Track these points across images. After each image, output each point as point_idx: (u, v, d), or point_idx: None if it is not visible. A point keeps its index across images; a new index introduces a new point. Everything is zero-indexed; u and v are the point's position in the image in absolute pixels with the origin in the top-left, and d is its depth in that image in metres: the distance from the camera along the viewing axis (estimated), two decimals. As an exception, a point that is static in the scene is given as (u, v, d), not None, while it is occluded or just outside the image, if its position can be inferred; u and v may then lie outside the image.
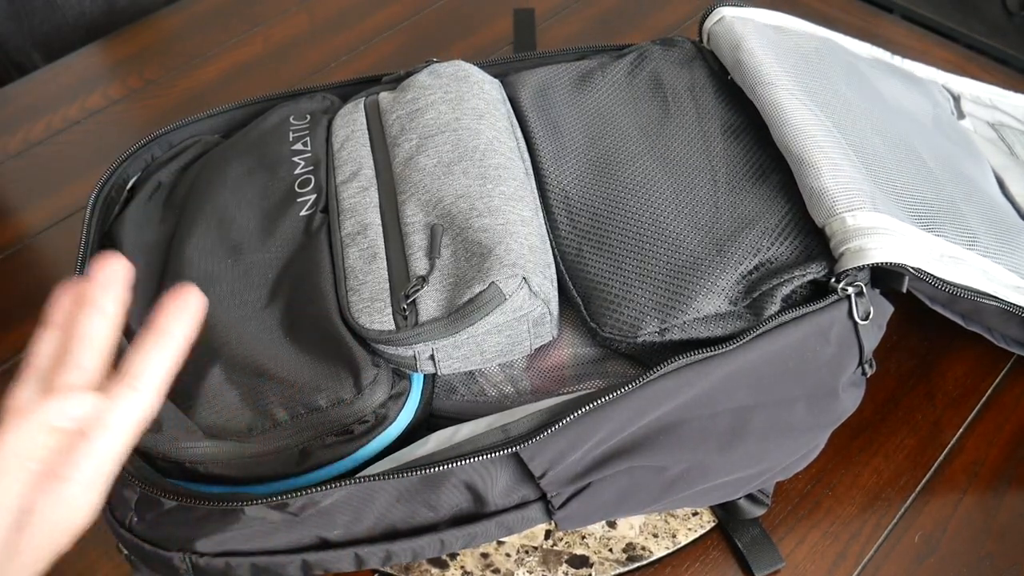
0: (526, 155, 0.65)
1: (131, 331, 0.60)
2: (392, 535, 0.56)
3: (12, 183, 0.89)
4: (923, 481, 0.65)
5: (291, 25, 1.03)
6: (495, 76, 0.72)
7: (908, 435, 0.67)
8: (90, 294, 0.44)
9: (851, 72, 0.74)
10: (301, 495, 0.51)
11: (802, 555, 0.62)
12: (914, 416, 0.68)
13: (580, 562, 0.61)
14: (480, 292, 0.54)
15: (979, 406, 0.69)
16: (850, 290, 0.56)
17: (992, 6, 1.08)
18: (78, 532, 0.41)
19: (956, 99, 0.82)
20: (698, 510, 0.63)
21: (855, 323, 0.56)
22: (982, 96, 0.84)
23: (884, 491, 0.65)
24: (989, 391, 0.69)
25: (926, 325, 0.66)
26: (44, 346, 0.44)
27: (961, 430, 0.67)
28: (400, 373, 0.57)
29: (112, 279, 0.44)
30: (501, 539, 0.61)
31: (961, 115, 0.81)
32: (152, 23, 1.04)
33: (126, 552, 0.56)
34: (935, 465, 0.66)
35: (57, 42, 1.08)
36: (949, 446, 0.67)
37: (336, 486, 0.51)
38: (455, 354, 0.56)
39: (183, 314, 0.43)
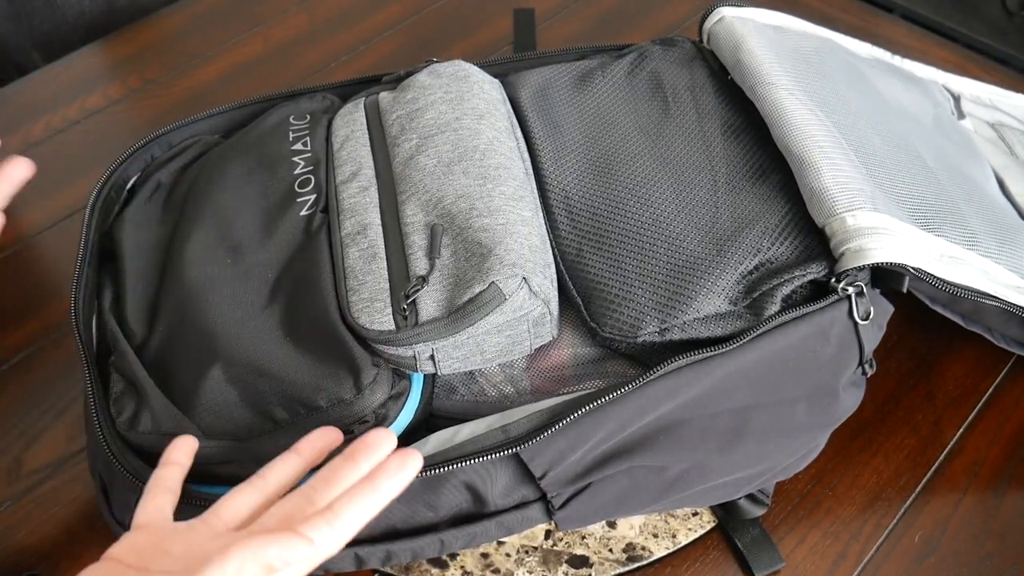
0: (526, 155, 0.65)
1: (131, 331, 0.60)
2: (392, 535, 0.56)
3: (12, 183, 0.89)
4: (923, 481, 0.65)
5: (291, 25, 1.03)
6: (495, 76, 0.71)
7: (908, 435, 0.67)
8: (358, 453, 0.47)
9: (851, 72, 0.74)
10: None
11: (802, 555, 0.62)
12: (914, 416, 0.68)
13: (580, 562, 0.61)
14: (480, 292, 0.54)
15: (979, 406, 0.69)
16: (850, 290, 0.56)
17: (992, 6, 1.08)
18: None
19: (956, 99, 0.82)
20: (698, 510, 0.63)
21: (855, 323, 0.56)
22: (982, 96, 0.84)
23: (884, 491, 0.65)
24: (989, 391, 0.69)
25: (926, 325, 0.66)
26: (280, 469, 0.48)
27: (961, 430, 0.67)
28: (400, 373, 0.57)
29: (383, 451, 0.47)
30: (501, 539, 0.61)
31: (961, 115, 0.81)
32: (152, 23, 1.04)
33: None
34: (935, 465, 0.66)
35: (57, 42, 1.08)
36: (949, 446, 0.67)
37: None
38: (455, 354, 0.56)
39: (399, 475, 0.45)
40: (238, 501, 0.47)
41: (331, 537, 0.43)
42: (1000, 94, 0.85)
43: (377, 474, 0.45)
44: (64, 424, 0.70)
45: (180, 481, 0.50)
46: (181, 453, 0.51)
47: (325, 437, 0.51)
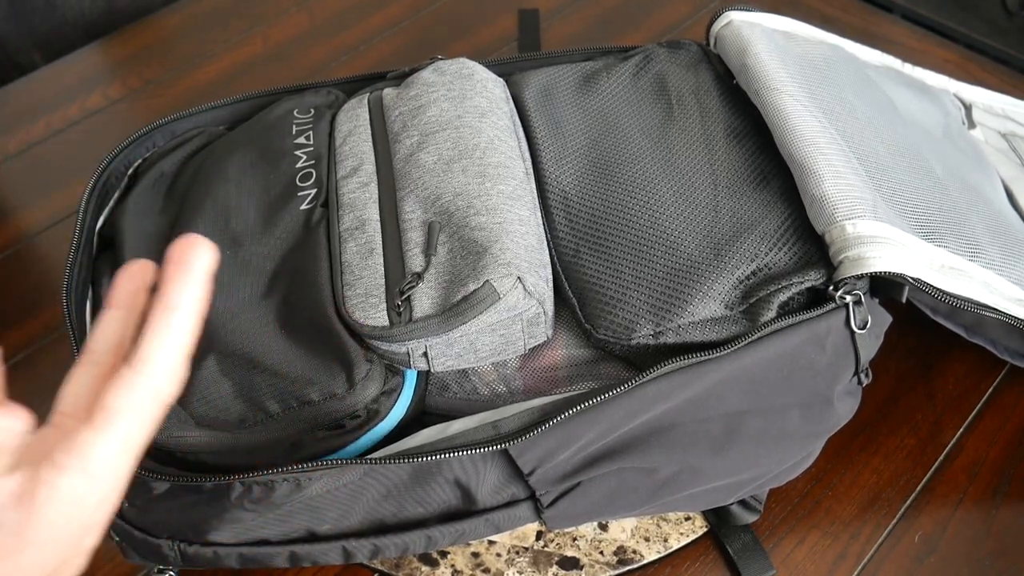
0: (527, 154, 0.65)
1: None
2: (380, 530, 0.56)
3: (12, 183, 0.89)
4: (923, 481, 0.65)
5: (291, 25, 1.03)
6: (500, 75, 0.71)
7: (908, 435, 0.67)
8: (164, 286, 0.39)
9: (860, 81, 0.73)
10: (287, 476, 0.51)
11: (802, 555, 0.62)
12: (914, 416, 0.68)
13: (570, 564, 0.60)
14: (474, 290, 0.54)
15: (979, 406, 0.68)
16: (848, 299, 0.55)
17: (992, 6, 1.08)
18: (93, 529, 0.38)
19: (967, 108, 0.82)
20: (691, 515, 0.63)
21: (852, 332, 0.56)
22: (994, 106, 0.83)
23: (884, 491, 0.64)
24: (989, 391, 0.69)
25: (926, 324, 0.66)
26: (105, 331, 0.41)
27: (961, 430, 0.67)
28: (393, 369, 0.57)
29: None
30: (492, 539, 0.61)
31: (972, 124, 0.80)
32: (152, 23, 1.04)
33: (117, 538, 0.56)
34: (935, 465, 0.66)
35: (57, 42, 1.08)
36: (949, 446, 0.67)
37: (317, 465, 0.51)
38: (448, 352, 0.55)
39: (189, 279, 0.39)
40: (75, 387, 0.40)
41: (149, 387, 0.37)
42: (1012, 104, 0.84)
43: (166, 290, 0.39)
44: (63, 424, 0.70)
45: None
46: None
47: (132, 277, 0.42)
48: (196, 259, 0.40)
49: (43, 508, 0.36)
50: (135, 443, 0.38)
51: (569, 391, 0.57)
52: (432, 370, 0.56)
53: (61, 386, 0.41)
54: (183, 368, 0.39)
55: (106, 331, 0.42)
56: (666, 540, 0.62)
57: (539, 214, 0.62)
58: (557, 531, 0.61)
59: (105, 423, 0.37)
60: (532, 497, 0.56)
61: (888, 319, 0.60)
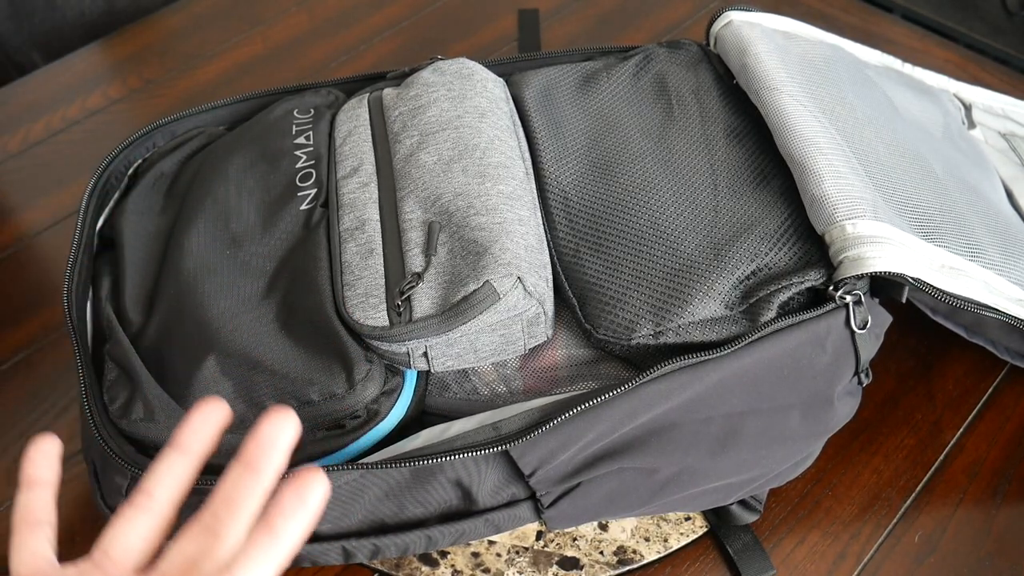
0: (527, 154, 0.65)
1: (128, 320, 0.60)
2: (380, 530, 0.56)
3: (12, 183, 0.89)
4: (923, 481, 0.65)
5: (291, 25, 1.03)
6: (500, 75, 0.71)
7: (908, 435, 0.67)
8: (254, 458, 0.40)
9: (860, 81, 0.73)
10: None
11: (802, 555, 0.62)
12: (914, 416, 0.68)
13: (570, 564, 0.60)
14: (474, 290, 0.54)
15: (979, 406, 0.68)
16: (848, 298, 0.55)
17: (992, 6, 1.08)
18: None
19: (967, 108, 0.82)
20: (690, 515, 0.63)
21: (852, 332, 0.56)
22: (994, 106, 0.83)
23: (884, 491, 0.64)
24: (989, 391, 0.69)
25: (926, 324, 0.66)
26: (167, 478, 0.41)
27: (961, 430, 0.67)
28: (393, 369, 0.57)
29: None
30: (492, 539, 0.61)
31: (972, 124, 0.80)
32: (152, 23, 1.04)
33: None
34: (935, 465, 0.66)
35: (57, 42, 1.08)
36: (949, 446, 0.67)
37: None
38: (449, 352, 0.56)
39: (300, 512, 0.39)
40: (128, 533, 0.40)
41: None
42: (1012, 104, 0.84)
43: (274, 517, 0.38)
44: (64, 424, 0.70)
45: (51, 505, 0.41)
46: (41, 467, 0.41)
47: (206, 421, 0.42)
48: (313, 493, 0.39)
49: None
50: None
51: (569, 391, 0.57)
52: (432, 370, 0.56)
53: (110, 523, 0.40)
54: None
55: (166, 475, 0.40)
56: (666, 540, 0.62)
57: (539, 214, 0.62)
58: (557, 531, 0.62)
59: None
60: (532, 497, 0.56)
61: (888, 319, 0.60)
